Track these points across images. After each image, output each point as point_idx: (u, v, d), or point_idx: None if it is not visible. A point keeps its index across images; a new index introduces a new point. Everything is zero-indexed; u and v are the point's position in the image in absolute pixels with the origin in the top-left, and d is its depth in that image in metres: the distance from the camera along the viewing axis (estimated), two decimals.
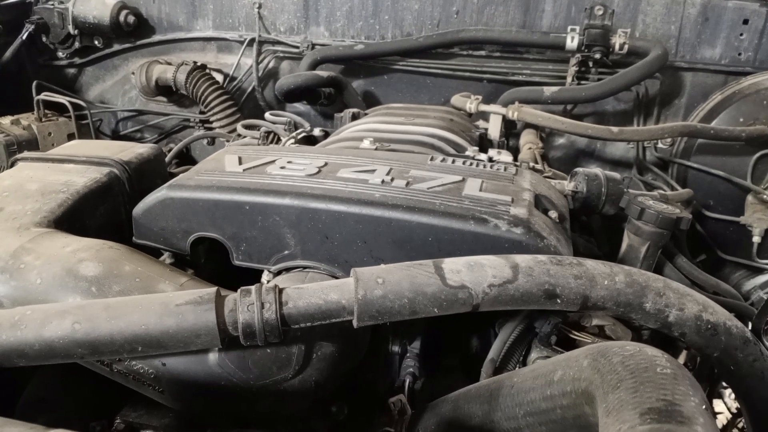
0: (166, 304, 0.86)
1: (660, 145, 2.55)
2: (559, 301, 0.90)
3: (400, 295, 0.86)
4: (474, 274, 0.89)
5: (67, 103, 2.73)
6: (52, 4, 2.96)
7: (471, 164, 1.39)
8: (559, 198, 1.37)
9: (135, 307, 0.86)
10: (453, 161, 1.40)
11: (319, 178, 1.23)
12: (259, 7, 2.86)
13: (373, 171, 1.28)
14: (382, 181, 1.22)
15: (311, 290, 0.88)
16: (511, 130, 2.40)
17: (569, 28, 2.50)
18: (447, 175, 1.28)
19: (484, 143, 2.09)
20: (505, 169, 1.37)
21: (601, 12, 2.47)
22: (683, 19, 2.52)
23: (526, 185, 1.28)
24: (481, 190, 1.21)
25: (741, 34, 2.48)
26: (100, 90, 3.22)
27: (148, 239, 1.27)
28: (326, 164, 1.32)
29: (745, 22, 2.46)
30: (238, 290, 0.89)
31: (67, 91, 3.00)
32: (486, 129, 2.20)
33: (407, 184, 1.22)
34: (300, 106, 2.96)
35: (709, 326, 0.92)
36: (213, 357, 0.94)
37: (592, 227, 1.79)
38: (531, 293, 0.88)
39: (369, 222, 1.12)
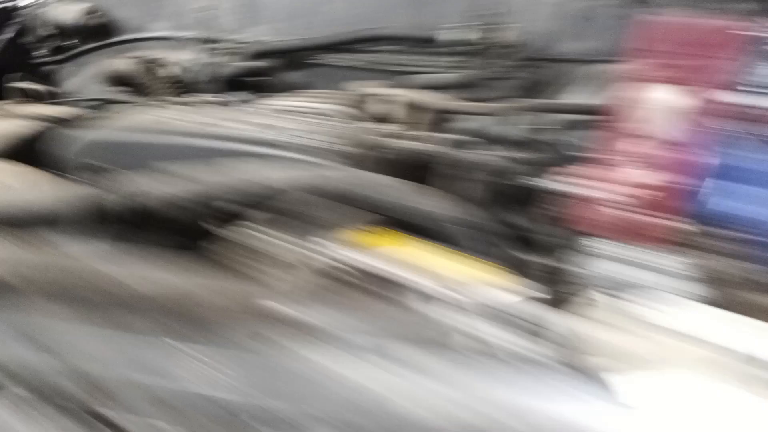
0: None
1: None
2: None
3: None
4: None
5: (42, 90, 3.22)
6: (32, 9, 3.46)
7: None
8: None
9: None
10: None
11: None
12: (208, 10, 3.35)
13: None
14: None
15: None
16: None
17: (462, 24, 2.74)
18: None
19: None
20: None
21: (495, 11, 2.71)
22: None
23: None
24: None
25: None
26: (74, 85, 3.70)
27: None
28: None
29: None
30: None
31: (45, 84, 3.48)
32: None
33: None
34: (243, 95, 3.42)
35: None
36: None
37: None
38: None
39: None
